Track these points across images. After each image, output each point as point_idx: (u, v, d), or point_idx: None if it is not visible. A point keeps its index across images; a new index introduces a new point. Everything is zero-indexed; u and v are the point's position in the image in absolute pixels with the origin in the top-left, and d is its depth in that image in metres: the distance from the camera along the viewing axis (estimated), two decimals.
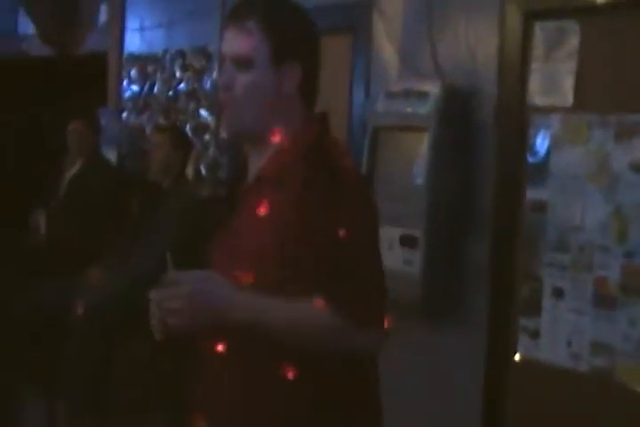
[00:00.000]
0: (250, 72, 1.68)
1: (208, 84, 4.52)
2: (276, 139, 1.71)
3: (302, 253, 1.60)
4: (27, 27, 5.76)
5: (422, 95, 3.11)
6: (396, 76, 3.34)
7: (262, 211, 1.65)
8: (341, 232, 1.59)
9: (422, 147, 3.09)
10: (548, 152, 2.80)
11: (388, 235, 3.11)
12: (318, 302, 1.59)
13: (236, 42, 1.69)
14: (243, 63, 1.68)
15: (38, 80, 6.00)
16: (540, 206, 2.82)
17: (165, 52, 4.84)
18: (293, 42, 1.70)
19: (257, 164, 1.74)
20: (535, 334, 2.82)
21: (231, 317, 1.61)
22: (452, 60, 3.10)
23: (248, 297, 1.63)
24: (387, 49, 3.37)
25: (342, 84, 3.53)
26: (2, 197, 5.38)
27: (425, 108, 3.09)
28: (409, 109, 3.15)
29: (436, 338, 3.12)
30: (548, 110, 2.81)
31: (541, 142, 2.82)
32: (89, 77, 5.44)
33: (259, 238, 1.65)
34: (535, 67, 2.85)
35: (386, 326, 1.64)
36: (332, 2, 3.53)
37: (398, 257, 3.11)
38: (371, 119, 3.31)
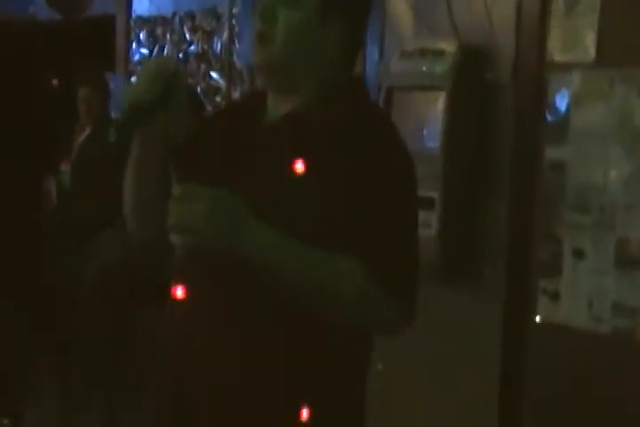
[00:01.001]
0: (295, 9, 1.59)
1: (218, 46, 4.46)
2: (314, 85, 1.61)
3: (340, 209, 1.51)
4: None
5: (438, 54, 3.05)
6: (411, 35, 3.27)
7: (293, 156, 1.53)
8: (385, 194, 1.54)
9: (438, 107, 3.04)
10: (568, 110, 2.74)
11: None
12: (350, 262, 1.49)
13: None
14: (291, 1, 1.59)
15: (46, 45, 5.94)
16: (560, 166, 2.76)
17: (174, 14, 4.77)
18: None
19: (281, 108, 1.63)
20: (555, 296, 2.78)
21: (249, 242, 1.47)
22: (469, 17, 3.02)
23: (271, 230, 1.49)
24: (401, 7, 3.30)
25: None
26: (15, 165, 5.34)
27: (441, 68, 3.03)
28: (424, 69, 3.09)
29: (453, 301, 3.08)
30: (568, 67, 2.74)
31: (561, 100, 2.76)
32: (97, 42, 5.38)
33: (287, 187, 1.54)
34: (555, 22, 2.77)
35: (413, 306, 1.56)
36: None
37: None
38: (385, 79, 3.25)
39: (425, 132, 3.08)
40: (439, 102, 3.02)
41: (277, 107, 1.65)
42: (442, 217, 3.02)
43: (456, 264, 3.07)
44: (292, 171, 1.54)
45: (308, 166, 1.53)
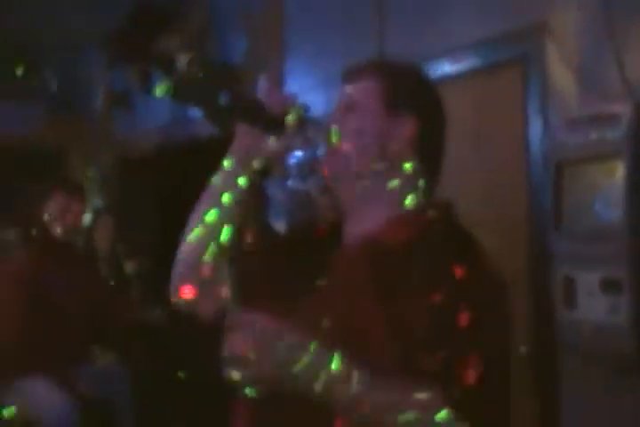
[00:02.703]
0: (364, 113, 1.55)
1: None
2: (384, 203, 1.54)
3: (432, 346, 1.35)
4: (194, 110, 5.77)
5: (611, 119, 2.74)
6: (576, 102, 2.97)
7: (371, 284, 1.41)
8: (483, 331, 1.37)
9: (616, 177, 2.70)
10: None
11: (586, 280, 2.73)
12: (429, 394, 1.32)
13: (349, 90, 1.60)
14: (351, 106, 1.57)
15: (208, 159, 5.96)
16: None
17: (326, 112, 4.65)
18: (409, 93, 1.57)
19: (358, 225, 1.54)
20: None
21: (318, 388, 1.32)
22: None
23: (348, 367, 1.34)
24: (563, 74, 3.02)
25: (516, 118, 3.19)
26: None
27: (616, 133, 2.71)
28: (597, 136, 2.77)
29: None
30: None
31: None
32: None
33: (362, 317, 1.40)
34: None
35: None
36: (499, 32, 3.23)
37: (601, 305, 2.69)
38: (552, 152, 2.95)
39: (601, 206, 2.75)
40: (617, 171, 2.69)
41: (351, 221, 1.58)
42: (632, 301, 2.63)
43: None
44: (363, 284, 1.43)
45: (380, 281, 1.41)
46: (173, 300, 1.62)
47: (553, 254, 2.87)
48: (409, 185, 1.56)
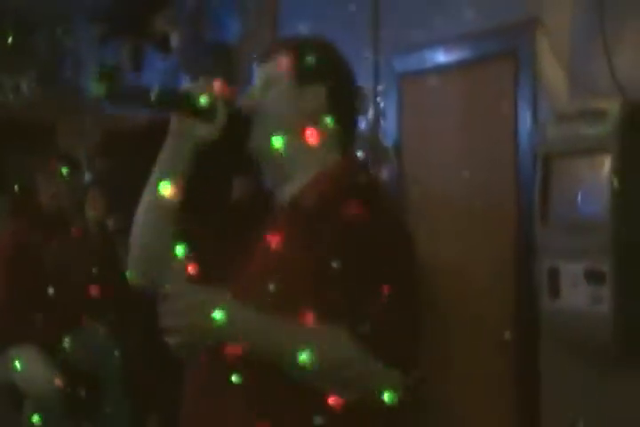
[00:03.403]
0: (272, 90, 1.76)
1: (363, 124, 4.33)
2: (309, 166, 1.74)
3: (337, 288, 1.57)
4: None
5: (600, 114, 2.81)
6: (566, 97, 3.05)
7: (297, 241, 1.63)
8: (382, 271, 1.60)
9: (602, 171, 2.78)
10: None
11: (570, 271, 2.83)
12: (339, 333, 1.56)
13: (264, 68, 1.80)
14: (270, 83, 1.77)
15: None
16: None
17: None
18: (316, 64, 1.77)
19: (287, 189, 1.76)
20: None
21: (229, 334, 1.57)
22: (632, 72, 2.79)
23: (250, 312, 1.59)
24: (553, 69, 3.09)
25: (506, 111, 3.27)
26: None
27: (604, 129, 2.79)
28: (585, 131, 2.85)
29: (634, 386, 2.76)
30: None
31: None
32: None
33: (289, 269, 1.62)
34: None
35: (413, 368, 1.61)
36: (492, 25, 3.29)
37: (584, 295, 2.79)
38: (541, 146, 3.03)
39: (586, 199, 2.84)
40: (604, 166, 2.77)
41: (281, 186, 1.79)
42: (615, 292, 2.73)
43: (632, 344, 2.76)
44: (289, 242, 1.64)
45: (305, 237, 1.63)
46: (132, 282, 1.85)
47: (539, 245, 2.96)
48: (326, 147, 1.76)
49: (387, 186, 3.41)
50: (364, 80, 4.21)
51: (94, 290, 4.05)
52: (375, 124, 4.24)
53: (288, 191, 1.77)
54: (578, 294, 2.80)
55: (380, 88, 4.17)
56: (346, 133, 1.81)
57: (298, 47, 1.80)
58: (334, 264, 1.58)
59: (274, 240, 1.66)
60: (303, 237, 1.64)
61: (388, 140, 4.12)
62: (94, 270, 4.07)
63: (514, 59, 3.24)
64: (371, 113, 4.24)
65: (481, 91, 3.42)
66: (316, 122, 1.74)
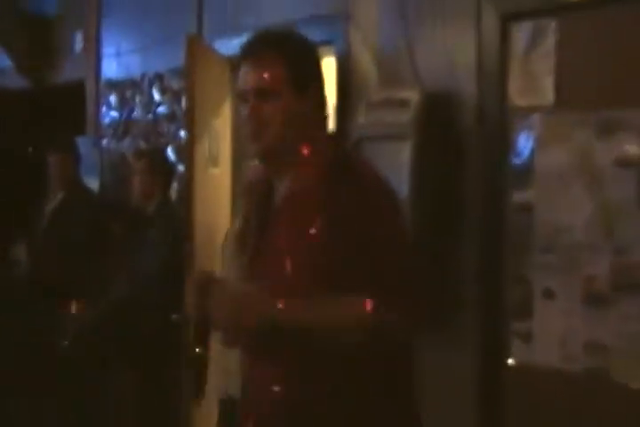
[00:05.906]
0: (277, 102, 1.79)
1: None
2: (305, 156, 1.82)
3: (346, 263, 1.71)
4: (2, 60, 5.75)
5: (402, 103, 3.10)
6: (376, 85, 3.33)
7: (300, 227, 1.76)
8: (378, 237, 1.73)
9: (405, 156, 3.07)
10: (532, 153, 2.79)
11: None
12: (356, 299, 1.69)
13: (258, 75, 1.80)
14: (268, 95, 1.79)
15: (17, 113, 5.97)
16: (527, 208, 2.80)
17: (143, 75, 4.82)
18: (311, 68, 1.84)
19: (284, 184, 1.85)
20: (528, 338, 2.79)
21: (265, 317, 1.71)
22: (431, 65, 3.10)
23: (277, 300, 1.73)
24: (364, 58, 3.36)
25: None
26: None
27: (405, 116, 3.07)
28: (389, 118, 3.13)
29: (426, 346, 3.07)
30: (529, 111, 2.80)
31: (525, 143, 2.81)
32: (67, 106, 5.42)
33: (303, 255, 1.75)
34: (514, 68, 2.84)
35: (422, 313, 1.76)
36: (308, 15, 3.54)
37: None
38: (353, 131, 3.29)
39: (398, 179, 3.11)
40: (406, 151, 3.05)
41: (280, 182, 1.87)
42: None
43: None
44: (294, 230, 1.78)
45: (307, 223, 1.76)
46: None
47: None
48: (318, 138, 1.85)
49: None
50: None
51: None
52: None
53: (283, 186, 1.85)
54: None
55: None
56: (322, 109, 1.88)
57: (285, 55, 1.80)
58: (340, 242, 1.71)
59: (282, 228, 1.80)
60: (305, 224, 1.75)
61: None
62: None
63: (330, 49, 3.48)
64: None
65: None
66: (316, 114, 1.84)
